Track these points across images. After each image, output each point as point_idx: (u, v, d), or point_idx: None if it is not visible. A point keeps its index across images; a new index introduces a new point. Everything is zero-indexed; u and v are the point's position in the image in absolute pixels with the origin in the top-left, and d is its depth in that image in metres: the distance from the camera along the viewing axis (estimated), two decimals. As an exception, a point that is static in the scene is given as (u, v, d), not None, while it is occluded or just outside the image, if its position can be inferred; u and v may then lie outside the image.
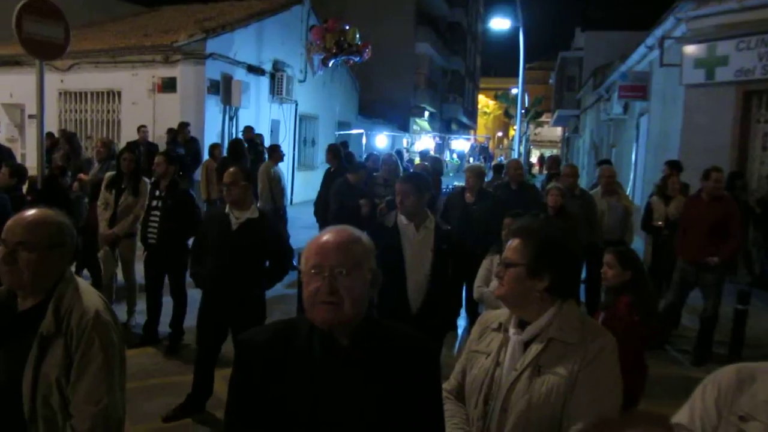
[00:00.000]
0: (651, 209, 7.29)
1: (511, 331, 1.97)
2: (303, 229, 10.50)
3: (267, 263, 4.50)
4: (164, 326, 5.99)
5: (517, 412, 1.86)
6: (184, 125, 12.21)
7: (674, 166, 8.03)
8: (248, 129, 12.57)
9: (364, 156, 12.00)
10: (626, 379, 1.99)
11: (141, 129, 12.03)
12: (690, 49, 10.15)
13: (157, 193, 5.85)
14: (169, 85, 13.36)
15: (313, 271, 1.60)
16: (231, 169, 4.47)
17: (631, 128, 15.69)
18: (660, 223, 7.11)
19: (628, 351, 3.13)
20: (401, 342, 1.69)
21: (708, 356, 5.97)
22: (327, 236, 1.65)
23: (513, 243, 1.98)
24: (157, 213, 5.79)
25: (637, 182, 14.51)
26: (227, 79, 13.91)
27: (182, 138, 12.00)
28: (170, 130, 12.19)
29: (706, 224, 6.05)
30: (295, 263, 4.86)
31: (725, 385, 1.57)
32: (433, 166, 10.33)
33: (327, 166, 9.31)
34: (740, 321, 6.05)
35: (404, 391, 1.62)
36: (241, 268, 4.29)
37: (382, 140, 25.21)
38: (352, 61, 17.79)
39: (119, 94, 14.06)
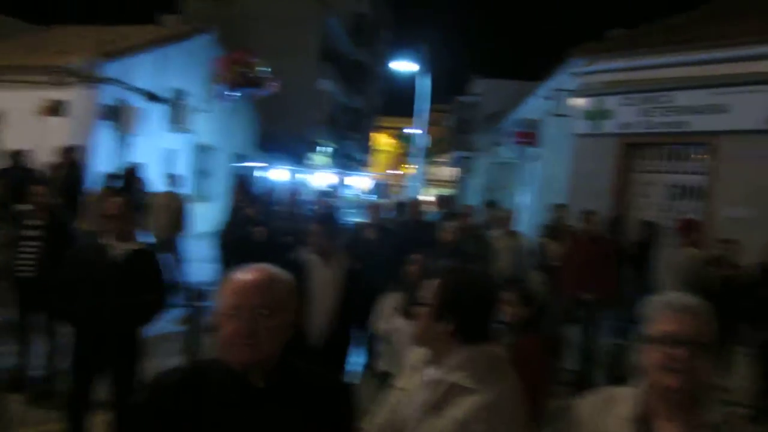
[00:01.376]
0: (544, 249, 7.68)
1: (426, 371, 1.99)
2: (198, 262, 10.15)
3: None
4: (35, 369, 5.48)
5: None
6: (68, 150, 11.48)
7: (559, 209, 8.54)
8: (131, 168, 11.80)
9: (263, 190, 11.88)
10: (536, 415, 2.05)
11: (17, 153, 11.10)
12: (580, 102, 10.89)
13: (35, 222, 5.42)
14: (58, 109, 12.63)
15: (231, 312, 1.54)
16: (114, 199, 4.19)
17: (522, 172, 16.49)
18: (555, 262, 7.48)
19: (534, 390, 3.22)
20: (317, 383, 1.67)
21: (589, 388, 6.26)
22: (247, 275, 1.60)
23: (431, 283, 2.01)
24: (34, 244, 5.36)
25: (529, 224, 15.21)
26: (123, 106, 13.36)
27: (66, 162, 11.22)
28: (15, 154, 11.17)
29: (585, 262, 6.46)
30: (182, 300, 4.62)
31: (590, 405, 1.86)
32: (333, 203, 10.40)
33: (223, 197, 9.11)
34: (619, 355, 6.43)
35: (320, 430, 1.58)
36: (118, 303, 3.89)
37: (281, 174, 25.03)
38: (257, 95, 17.63)
39: (2, 115, 13.14)
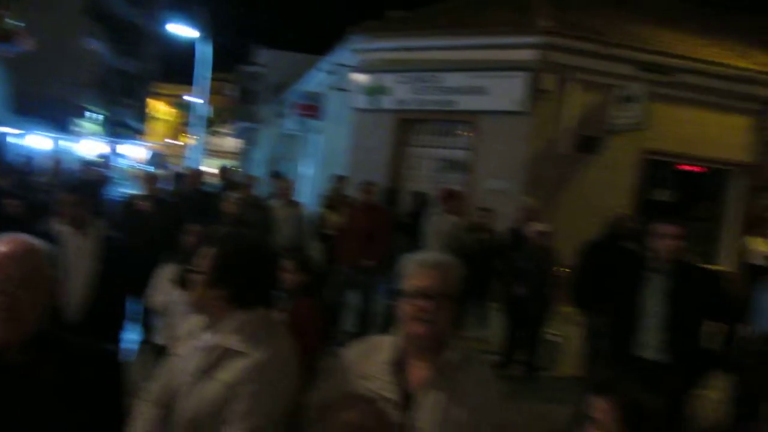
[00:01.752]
0: (322, 219, 7.94)
1: (201, 337, 2.01)
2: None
3: None
4: None
5: (186, 418, 1.90)
6: None
7: (339, 180, 8.90)
8: None
9: (21, 158, 10.65)
10: (310, 376, 2.17)
11: None
12: (359, 77, 11.32)
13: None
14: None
15: None
16: None
17: (306, 144, 16.74)
18: (330, 231, 7.77)
19: (310, 349, 3.37)
20: (79, 355, 1.60)
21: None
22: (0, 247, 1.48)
23: (204, 251, 2.01)
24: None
25: (311, 194, 15.52)
26: None
27: None
28: None
29: (363, 231, 6.84)
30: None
31: (351, 354, 2.06)
32: (100, 173, 9.68)
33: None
34: (390, 314, 6.92)
35: (85, 402, 1.53)
36: None
37: (41, 141, 22.52)
38: (7, 52, 15.56)
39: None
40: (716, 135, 10.92)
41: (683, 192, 11.67)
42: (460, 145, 10.88)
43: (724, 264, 11.55)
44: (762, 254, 10.44)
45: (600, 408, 1.56)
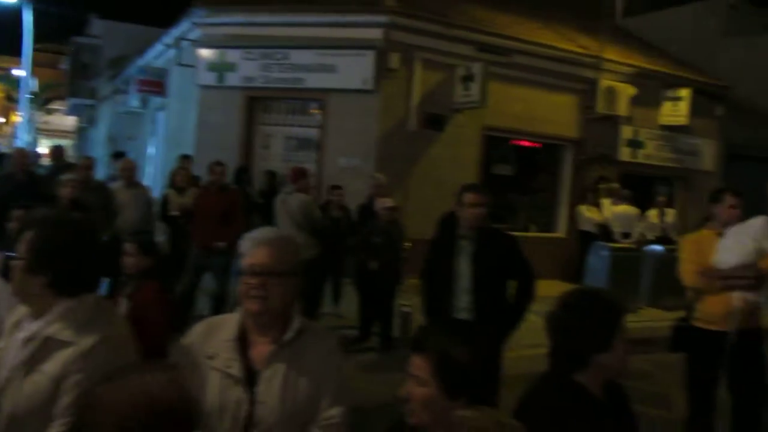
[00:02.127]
0: (167, 200, 7.64)
1: (24, 327, 1.89)
2: None
3: None
4: None
5: (6, 414, 1.80)
6: None
7: (185, 160, 8.61)
8: None
9: None
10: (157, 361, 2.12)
11: None
12: (204, 53, 10.90)
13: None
14: None
15: None
16: None
17: (149, 122, 15.91)
18: (176, 213, 7.51)
19: (156, 334, 3.27)
20: None
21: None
22: None
23: (24, 236, 1.89)
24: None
25: (155, 175, 14.83)
26: None
27: None
28: None
29: (214, 213, 6.69)
30: None
31: (196, 334, 2.08)
32: None
33: None
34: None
35: None
36: None
37: None
38: None
39: None
40: (548, 112, 11.82)
41: (521, 166, 12.54)
42: (311, 123, 10.89)
43: (560, 231, 12.62)
44: (592, 221, 11.52)
45: (416, 364, 1.65)
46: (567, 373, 1.96)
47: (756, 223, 4.08)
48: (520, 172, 12.52)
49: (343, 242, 7.74)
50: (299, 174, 7.00)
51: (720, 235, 4.15)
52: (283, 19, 10.57)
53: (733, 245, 4.05)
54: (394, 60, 10.18)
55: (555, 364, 2.02)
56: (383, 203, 6.92)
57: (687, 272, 4.24)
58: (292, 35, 10.48)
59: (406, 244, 7.09)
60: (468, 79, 10.39)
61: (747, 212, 4.26)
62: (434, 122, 10.68)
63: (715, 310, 4.10)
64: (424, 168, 10.54)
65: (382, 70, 10.15)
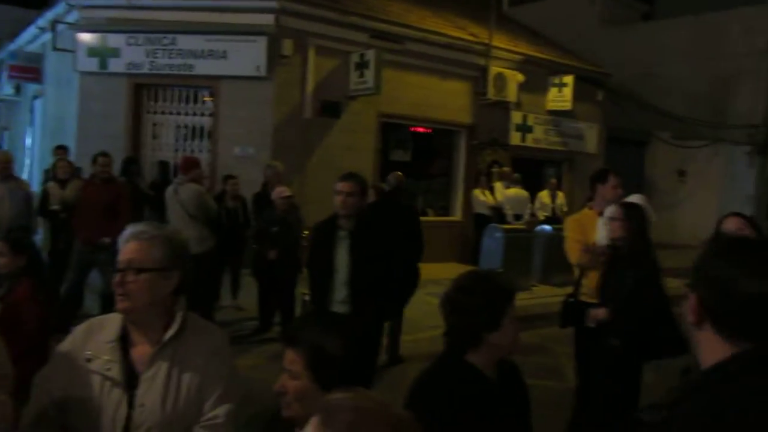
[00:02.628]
0: (47, 194, 7.19)
1: None
2: None
3: None
4: None
5: None
6: None
7: (60, 150, 8.16)
8: None
9: None
10: (26, 364, 2.00)
11: None
12: (83, 37, 10.27)
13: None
14: None
15: None
16: None
17: (25, 111, 14.86)
18: (56, 207, 7.08)
19: (31, 335, 3.09)
20: None
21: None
22: None
23: None
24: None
25: (33, 167, 13.89)
26: None
27: None
28: None
29: (100, 206, 6.37)
30: None
31: (76, 336, 1.96)
32: None
33: None
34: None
35: None
36: None
37: None
38: None
39: None
40: (441, 99, 12.08)
41: (418, 152, 12.75)
42: (203, 111, 10.54)
43: (456, 215, 12.96)
44: (486, 204, 11.91)
45: (289, 358, 1.64)
46: (460, 353, 2.02)
47: (633, 201, 4.38)
48: (416, 158, 12.73)
49: (240, 233, 7.59)
50: (191, 164, 6.77)
51: (601, 214, 4.41)
52: (169, 3, 10.15)
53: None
54: (287, 46, 10.03)
55: (449, 344, 2.07)
56: (280, 192, 6.83)
57: (572, 250, 4.47)
58: (179, 20, 10.08)
59: (305, 232, 7.04)
60: (362, 66, 10.41)
61: (625, 191, 4.55)
62: (330, 109, 10.63)
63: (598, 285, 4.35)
64: (320, 156, 10.49)
65: (275, 57, 9.98)
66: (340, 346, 1.62)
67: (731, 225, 3.30)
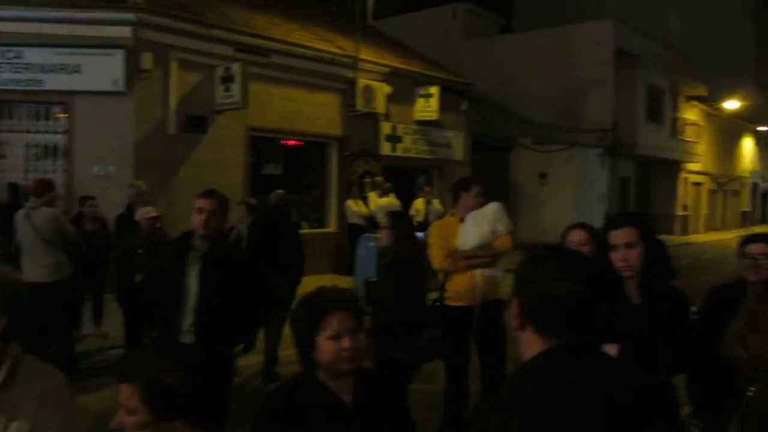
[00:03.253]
0: None
1: None
2: None
3: None
4: None
5: None
6: None
7: None
8: None
9: None
10: None
11: None
12: None
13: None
14: None
15: None
16: None
17: None
18: None
19: None
20: None
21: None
22: None
23: None
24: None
25: None
26: None
27: None
28: None
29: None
30: None
31: None
32: None
33: None
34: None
35: None
36: None
37: None
38: None
39: None
40: (311, 111, 12.16)
41: (290, 165, 12.73)
42: (56, 128, 9.92)
43: (331, 226, 13.04)
44: (359, 214, 12.08)
45: (125, 393, 1.59)
46: (310, 368, 2.03)
47: (490, 208, 4.65)
48: (289, 171, 12.71)
49: (101, 257, 7.23)
50: (45, 186, 6.35)
51: (462, 220, 4.64)
52: (12, 14, 9.48)
53: (472, 228, 4.57)
54: (147, 60, 9.69)
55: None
56: (144, 213, 6.57)
57: (435, 256, 4.66)
58: (24, 32, 9.44)
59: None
60: (228, 79, 10.27)
61: (490, 195, 4.81)
62: (196, 125, 10.38)
63: (461, 288, 4.57)
64: (188, 173, 10.21)
65: (133, 71, 9.60)
66: (179, 377, 1.57)
67: (575, 237, 3.50)
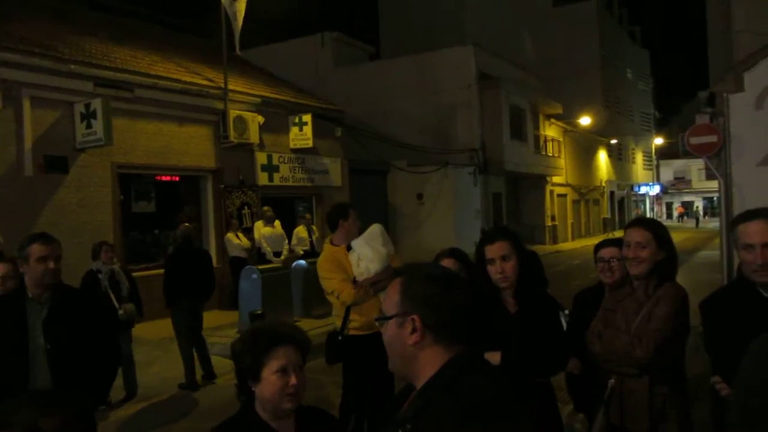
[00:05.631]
0: None
1: None
2: None
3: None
4: None
5: None
6: None
7: None
8: None
9: None
10: None
11: None
12: None
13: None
14: None
15: None
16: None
17: None
18: None
19: None
20: None
21: None
22: None
23: None
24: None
25: None
26: None
27: None
28: None
29: None
30: None
31: None
32: None
33: None
34: None
35: None
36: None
37: None
38: None
39: None
40: (182, 145, 11.80)
41: (163, 201, 12.25)
42: None
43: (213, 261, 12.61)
44: (240, 247, 11.81)
45: None
46: (249, 402, 2.01)
47: (376, 230, 4.63)
48: (162, 208, 12.23)
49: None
50: None
51: (348, 248, 4.58)
52: None
53: (370, 254, 4.52)
54: (-4, 98, 9.02)
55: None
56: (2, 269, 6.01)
57: (345, 290, 4.43)
58: None
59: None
60: (89, 116, 9.74)
61: (370, 218, 4.81)
62: (55, 165, 9.74)
63: (372, 316, 4.47)
64: (50, 216, 9.54)
65: (-20, 111, 8.90)
66: (59, 422, 1.49)
67: (446, 265, 3.55)
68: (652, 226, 2.98)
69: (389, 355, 1.59)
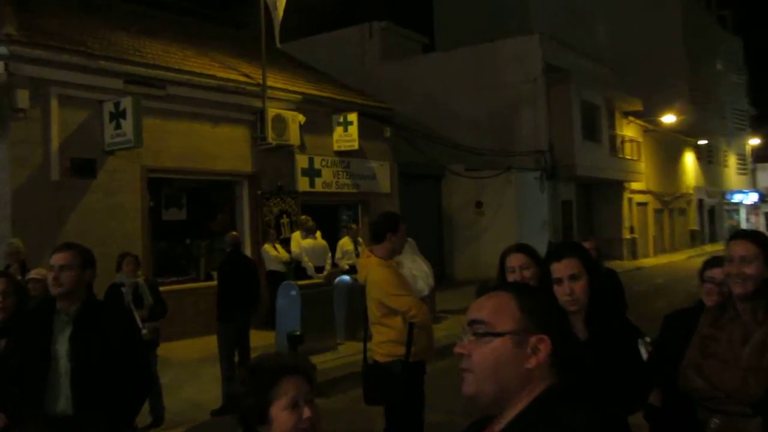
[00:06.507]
0: None
1: None
2: None
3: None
4: None
5: None
6: None
7: None
8: None
9: None
10: None
11: None
12: None
13: None
14: None
15: None
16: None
17: None
18: None
19: None
20: None
21: None
22: None
23: None
24: None
25: None
26: None
27: None
28: None
29: None
30: None
31: None
32: None
33: None
34: None
35: None
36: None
37: None
38: None
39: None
40: (216, 147, 12.07)
41: (195, 208, 12.55)
42: None
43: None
44: (279, 260, 11.98)
45: None
46: None
47: (414, 246, 4.72)
48: (193, 215, 12.53)
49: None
50: None
51: (398, 263, 4.65)
52: None
53: (419, 273, 4.61)
54: (23, 98, 9.42)
55: None
56: (33, 274, 6.26)
57: (422, 307, 4.49)
58: None
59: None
60: (119, 116, 10.09)
61: (423, 229, 4.86)
62: (82, 169, 10.12)
63: (425, 341, 4.56)
64: (76, 223, 9.90)
65: (7, 111, 9.33)
66: None
67: (515, 262, 3.51)
68: (760, 240, 2.86)
69: (481, 377, 1.51)
